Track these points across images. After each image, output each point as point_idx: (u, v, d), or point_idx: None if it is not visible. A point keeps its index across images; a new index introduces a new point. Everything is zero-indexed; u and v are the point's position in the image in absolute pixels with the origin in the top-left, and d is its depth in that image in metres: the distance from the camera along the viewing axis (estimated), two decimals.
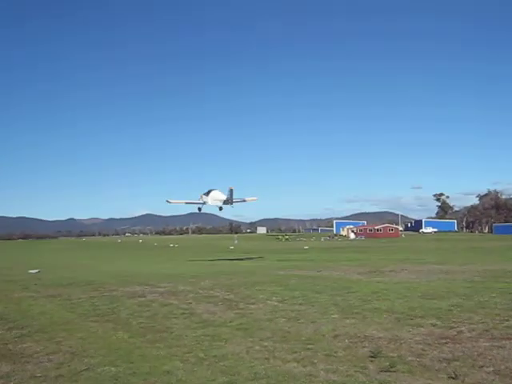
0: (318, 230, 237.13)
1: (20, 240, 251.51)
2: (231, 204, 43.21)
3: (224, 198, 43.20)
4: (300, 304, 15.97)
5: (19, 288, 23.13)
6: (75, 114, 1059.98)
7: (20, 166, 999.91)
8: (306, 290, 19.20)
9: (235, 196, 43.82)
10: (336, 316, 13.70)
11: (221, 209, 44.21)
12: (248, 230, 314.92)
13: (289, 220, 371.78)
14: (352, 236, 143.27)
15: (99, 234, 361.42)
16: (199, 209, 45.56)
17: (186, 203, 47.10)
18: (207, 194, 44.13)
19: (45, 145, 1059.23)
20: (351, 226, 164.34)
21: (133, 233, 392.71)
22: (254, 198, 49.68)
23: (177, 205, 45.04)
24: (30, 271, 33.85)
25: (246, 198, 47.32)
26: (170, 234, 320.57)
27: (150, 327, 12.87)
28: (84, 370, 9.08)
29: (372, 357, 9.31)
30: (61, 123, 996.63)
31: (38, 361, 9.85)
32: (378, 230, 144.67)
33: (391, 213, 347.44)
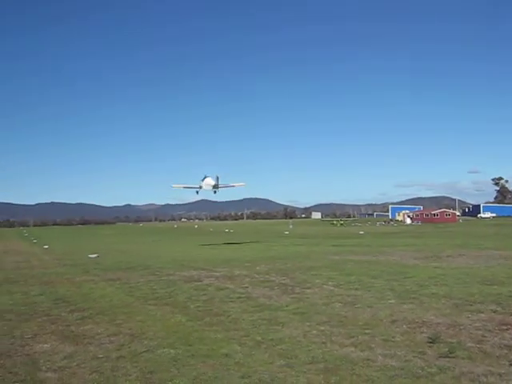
0: (373, 215, 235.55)
1: (79, 225, 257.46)
2: (217, 188, 50.07)
3: (213, 183, 49.28)
4: (356, 289, 15.91)
5: (80, 272, 23.76)
6: (129, 106, 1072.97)
7: (79, 155, 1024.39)
8: (361, 275, 19.11)
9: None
10: (393, 301, 13.59)
11: (215, 192, 50.70)
12: (303, 215, 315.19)
13: (344, 205, 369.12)
14: (408, 221, 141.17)
15: (155, 220, 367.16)
16: (197, 192, 51.98)
17: (185, 187, 53.41)
18: (203, 180, 50.20)
19: (102, 135, 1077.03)
20: (407, 211, 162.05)
21: (188, 218, 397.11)
22: (242, 184, 56.52)
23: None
24: (90, 256, 34.65)
25: (234, 184, 54.23)
26: (225, 219, 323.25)
27: (208, 311, 13.03)
28: (144, 351, 9.27)
29: (430, 342, 9.21)
30: (118, 115, 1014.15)
31: (100, 342, 10.12)
32: (434, 214, 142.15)
33: (448, 197, 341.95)
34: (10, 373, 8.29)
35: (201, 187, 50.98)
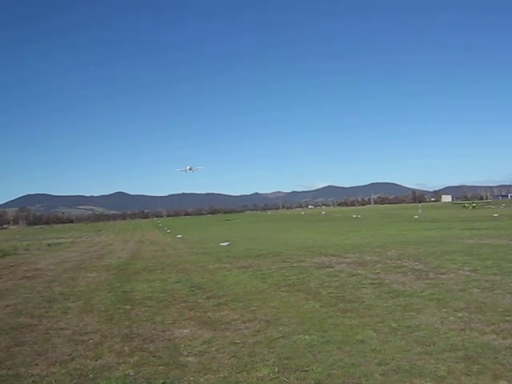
0: (507, 196, 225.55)
1: (209, 215, 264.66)
2: (192, 170, 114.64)
3: (189, 167, 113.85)
4: (494, 274, 15.24)
5: (213, 260, 24.42)
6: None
7: (208, 147, 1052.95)
8: (499, 260, 18.31)
9: None
10: None
11: (192, 171, 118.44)
12: (432, 199, 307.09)
13: (475, 187, 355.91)
14: None
15: (283, 207, 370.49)
16: (185, 171, 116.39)
17: (180, 170, 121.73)
18: (187, 166, 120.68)
19: (230, 129, 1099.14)
20: None
21: (315, 205, 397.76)
22: (201, 167, 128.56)
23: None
24: (221, 244, 35.58)
25: (198, 167, 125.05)
26: (352, 204, 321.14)
27: (340, 297, 12.97)
28: (279, 337, 9.37)
29: None
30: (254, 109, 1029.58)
31: (236, 328, 10.34)
32: None
33: None
34: (154, 356, 8.65)
35: (186, 170, 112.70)
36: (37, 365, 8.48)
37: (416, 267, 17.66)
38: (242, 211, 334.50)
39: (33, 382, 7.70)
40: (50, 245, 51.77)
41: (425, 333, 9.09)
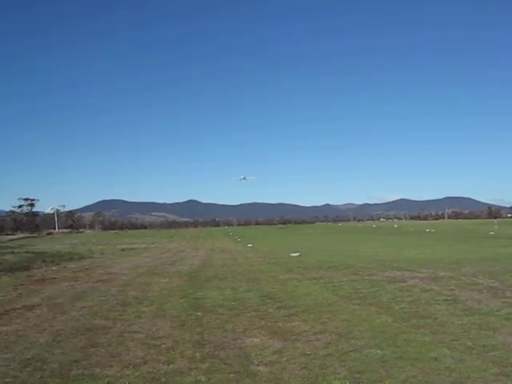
0: None
1: (279, 225, 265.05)
2: (245, 179, 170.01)
3: (243, 177, 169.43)
4: None
5: (284, 270, 24.43)
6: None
7: (275, 155, 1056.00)
8: None
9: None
10: None
11: (245, 180, 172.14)
12: (509, 215, 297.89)
13: None
14: None
15: (354, 219, 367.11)
16: (240, 180, 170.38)
17: (235, 179, 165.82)
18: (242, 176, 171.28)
19: (302, 138, 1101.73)
20: None
21: (387, 218, 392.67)
22: (254, 177, 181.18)
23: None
24: (292, 254, 35.55)
25: (251, 177, 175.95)
26: (424, 218, 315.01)
27: (413, 312, 12.75)
28: (351, 350, 9.29)
29: None
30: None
31: (307, 339, 10.31)
32: None
33: None
34: (225, 364, 8.73)
35: (240, 179, 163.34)
36: (111, 366, 8.71)
37: (492, 285, 17.17)
38: (313, 222, 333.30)
39: (107, 382, 7.92)
40: (123, 250, 53.10)
41: (501, 353, 8.84)
